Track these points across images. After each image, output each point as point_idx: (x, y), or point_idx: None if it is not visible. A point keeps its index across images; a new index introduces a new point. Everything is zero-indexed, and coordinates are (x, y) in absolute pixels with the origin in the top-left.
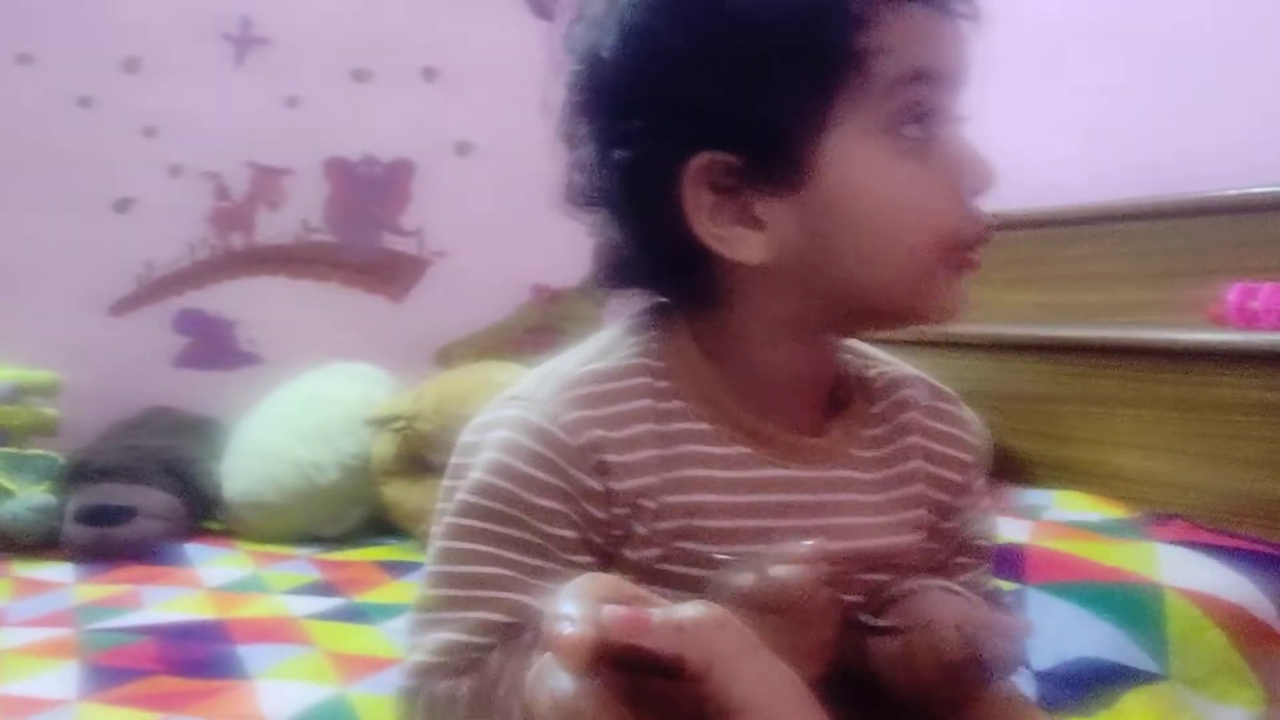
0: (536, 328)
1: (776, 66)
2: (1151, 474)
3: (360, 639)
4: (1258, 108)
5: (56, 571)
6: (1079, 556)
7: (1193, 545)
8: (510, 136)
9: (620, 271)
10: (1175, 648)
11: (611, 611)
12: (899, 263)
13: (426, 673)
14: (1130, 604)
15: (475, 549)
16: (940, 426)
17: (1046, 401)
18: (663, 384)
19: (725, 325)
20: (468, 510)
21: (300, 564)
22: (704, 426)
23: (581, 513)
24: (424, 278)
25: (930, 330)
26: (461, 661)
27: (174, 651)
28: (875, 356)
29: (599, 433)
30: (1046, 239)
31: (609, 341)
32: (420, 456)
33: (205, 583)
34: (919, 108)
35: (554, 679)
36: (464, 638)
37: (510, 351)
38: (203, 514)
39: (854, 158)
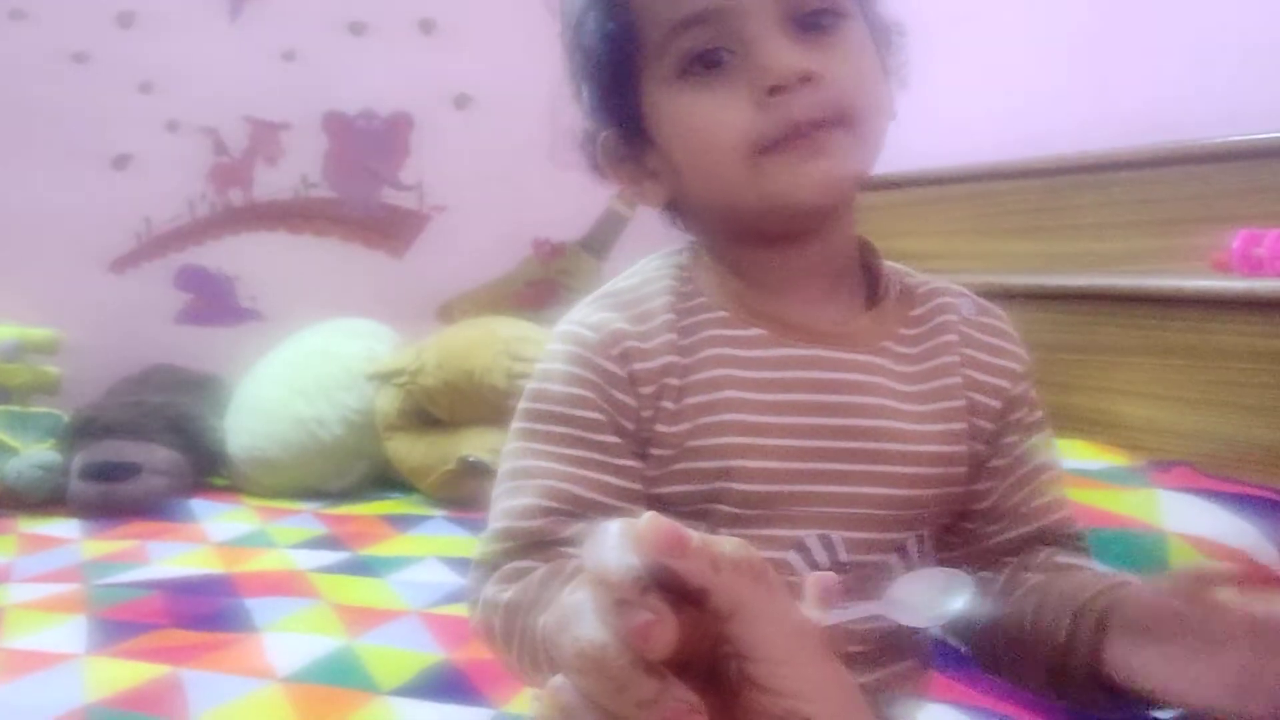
0: (537, 282)
1: (594, 60)
2: (1155, 421)
3: (366, 591)
4: (1263, 53)
5: (63, 528)
6: (1083, 504)
7: (1196, 492)
8: (509, 89)
9: None
10: None
11: (651, 523)
12: (723, 176)
13: (480, 564)
14: (1134, 550)
15: (520, 446)
16: (985, 338)
17: (1050, 350)
18: (686, 288)
19: (710, 244)
20: (518, 416)
21: (305, 518)
22: (722, 314)
23: (608, 398)
24: (424, 232)
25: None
26: (508, 549)
27: (182, 605)
28: (925, 276)
29: (621, 325)
30: (1050, 188)
31: (641, 265)
32: (423, 411)
33: (211, 538)
34: (690, 51)
35: (579, 626)
36: (508, 523)
37: (511, 306)
38: (207, 470)
39: (660, 107)
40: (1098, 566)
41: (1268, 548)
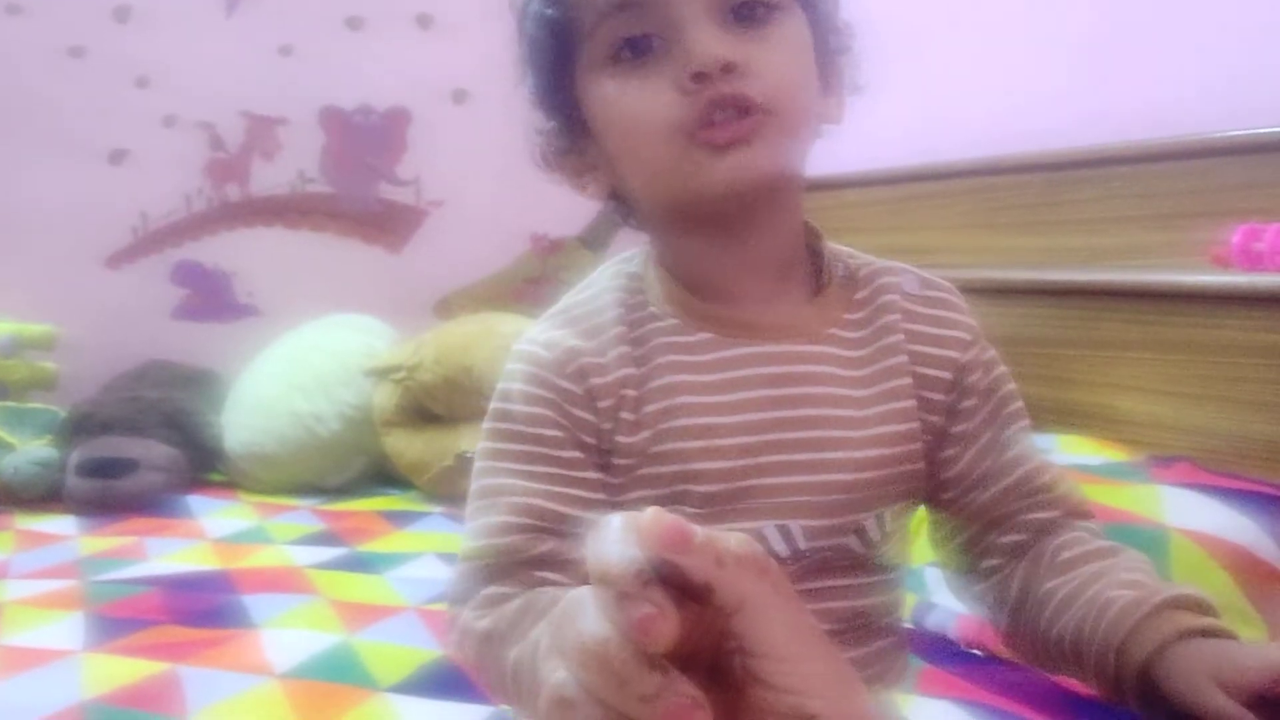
0: (535, 277)
1: (536, 48)
2: (1155, 417)
3: (364, 588)
4: (1263, 47)
5: (60, 524)
6: None
7: (1197, 487)
8: (507, 84)
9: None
10: None
11: (654, 519)
12: (646, 163)
13: (457, 582)
14: (1135, 546)
15: (487, 465)
16: (930, 311)
17: (1049, 345)
18: (635, 299)
19: (654, 240)
20: (484, 435)
21: (303, 514)
22: (671, 322)
23: (567, 415)
24: (422, 228)
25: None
26: (484, 568)
27: (180, 601)
28: (868, 257)
29: (575, 343)
30: (1049, 182)
31: (594, 277)
32: (421, 407)
33: (209, 534)
34: (620, 37)
35: (582, 620)
36: (482, 541)
37: (509, 301)
38: (204, 466)
39: (593, 94)
40: (1095, 540)
41: (1268, 543)
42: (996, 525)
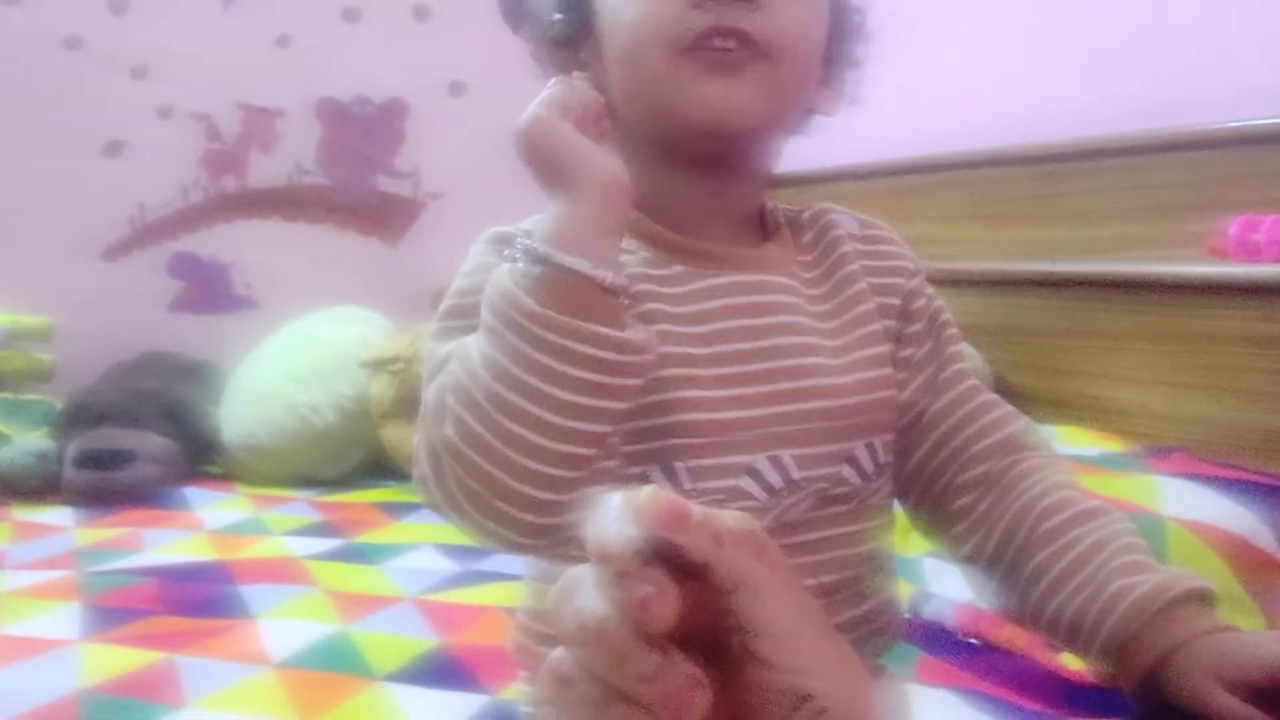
0: None
1: None
2: (1151, 407)
3: (361, 578)
4: (1258, 38)
5: (56, 516)
6: None
7: (1193, 477)
8: (504, 75)
9: None
10: None
11: (651, 496)
12: (642, 70)
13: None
14: None
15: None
16: (874, 247)
17: (1046, 337)
18: None
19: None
20: (442, 316)
21: (299, 506)
22: (642, 255)
23: None
24: (419, 220)
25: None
26: None
27: (176, 592)
28: (800, 206)
29: None
30: (1045, 174)
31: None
32: (418, 398)
33: (205, 525)
34: None
35: (580, 598)
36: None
37: None
38: (201, 457)
39: None
40: (1078, 499)
41: (1265, 532)
42: (956, 459)
